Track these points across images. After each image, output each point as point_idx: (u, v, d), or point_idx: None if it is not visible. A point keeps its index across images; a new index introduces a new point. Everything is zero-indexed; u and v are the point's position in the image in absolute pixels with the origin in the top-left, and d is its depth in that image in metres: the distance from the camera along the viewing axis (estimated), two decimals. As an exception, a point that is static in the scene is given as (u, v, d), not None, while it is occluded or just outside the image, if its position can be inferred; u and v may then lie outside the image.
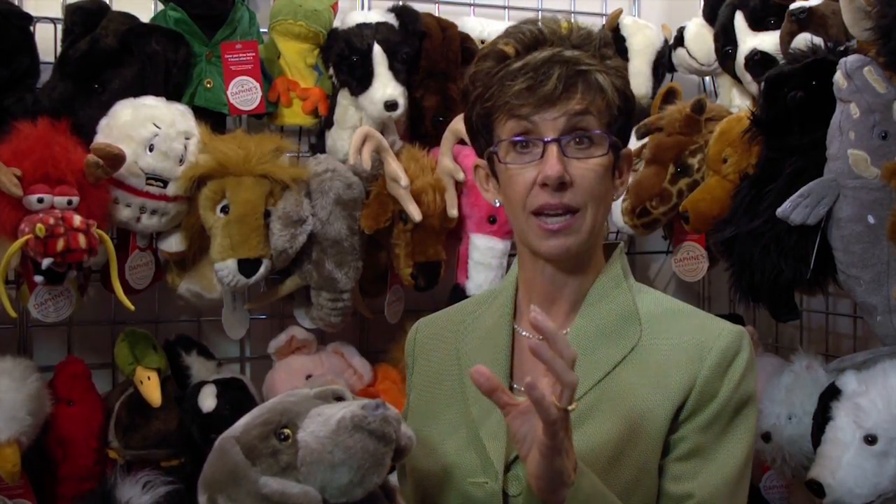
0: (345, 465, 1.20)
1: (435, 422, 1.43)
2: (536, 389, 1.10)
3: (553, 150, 1.31)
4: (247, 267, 2.06)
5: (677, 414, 1.31)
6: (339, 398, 1.32)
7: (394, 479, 1.48)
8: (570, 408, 1.13)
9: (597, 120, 1.33)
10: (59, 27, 2.11)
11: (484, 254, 2.27)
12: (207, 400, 2.11)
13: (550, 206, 1.32)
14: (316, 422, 1.23)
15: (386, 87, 2.23)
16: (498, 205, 1.42)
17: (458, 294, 2.28)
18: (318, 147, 2.34)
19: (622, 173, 1.41)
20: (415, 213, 2.16)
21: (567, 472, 1.16)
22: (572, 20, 1.38)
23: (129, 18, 2.10)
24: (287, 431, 1.24)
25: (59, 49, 2.08)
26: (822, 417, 1.97)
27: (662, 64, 2.67)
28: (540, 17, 2.70)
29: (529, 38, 1.35)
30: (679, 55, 2.67)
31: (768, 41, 2.34)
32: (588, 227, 1.34)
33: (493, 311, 1.48)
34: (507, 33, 1.38)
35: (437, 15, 2.48)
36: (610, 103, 1.34)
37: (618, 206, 2.41)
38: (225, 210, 2.07)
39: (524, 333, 1.43)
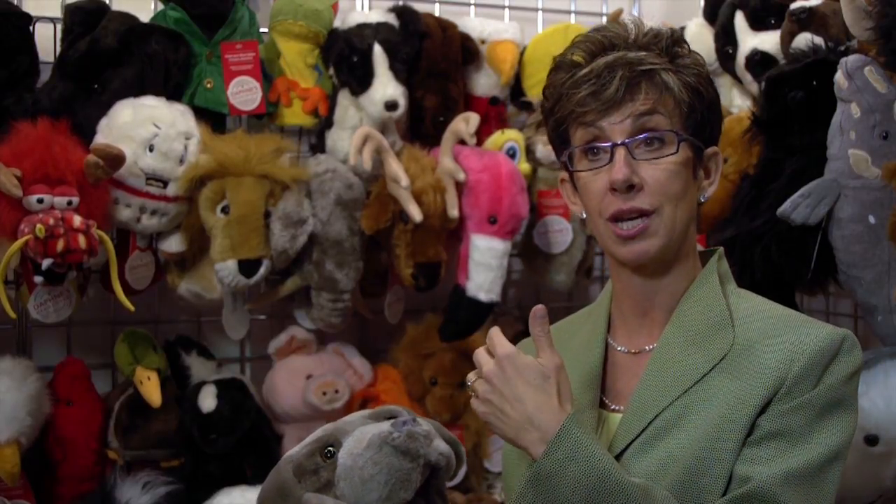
0: (373, 481, 1.23)
1: None
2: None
3: (620, 153, 1.30)
4: (247, 267, 2.06)
5: (760, 414, 1.26)
6: (390, 417, 1.34)
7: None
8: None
9: (666, 119, 1.31)
10: (59, 27, 2.10)
11: (484, 254, 2.26)
12: (207, 400, 2.11)
13: (623, 212, 1.31)
14: (355, 439, 1.28)
15: (386, 87, 2.22)
16: (584, 216, 1.40)
17: (459, 294, 2.28)
18: (318, 147, 2.34)
19: (709, 173, 1.38)
20: (415, 213, 2.16)
21: (502, 432, 1.25)
22: (640, 22, 1.36)
23: (129, 18, 2.09)
24: (332, 449, 1.29)
25: (58, 49, 2.07)
26: (822, 418, 1.97)
27: (662, 64, 2.67)
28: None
29: (596, 45, 1.34)
30: (679, 55, 2.66)
31: (769, 41, 2.34)
32: (666, 228, 1.31)
33: (588, 326, 1.46)
34: (575, 43, 1.37)
35: (437, 15, 2.48)
36: (679, 101, 1.31)
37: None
38: (225, 210, 2.07)
39: (619, 348, 1.41)
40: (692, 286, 1.37)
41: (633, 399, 1.33)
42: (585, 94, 1.30)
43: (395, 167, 2.17)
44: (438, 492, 1.32)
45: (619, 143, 1.30)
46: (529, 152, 2.43)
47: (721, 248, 1.43)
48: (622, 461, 1.30)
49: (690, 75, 1.33)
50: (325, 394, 2.21)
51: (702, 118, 1.34)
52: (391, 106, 2.22)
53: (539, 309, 1.29)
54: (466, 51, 2.40)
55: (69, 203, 1.87)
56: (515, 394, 1.23)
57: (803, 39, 2.12)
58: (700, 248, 1.47)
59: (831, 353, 1.27)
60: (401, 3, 2.36)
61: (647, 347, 1.38)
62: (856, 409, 1.30)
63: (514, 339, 2.50)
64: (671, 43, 1.35)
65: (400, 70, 2.27)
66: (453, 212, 2.25)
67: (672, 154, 1.30)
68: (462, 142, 2.29)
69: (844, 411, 1.27)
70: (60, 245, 1.81)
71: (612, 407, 1.38)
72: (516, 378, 1.24)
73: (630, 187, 1.29)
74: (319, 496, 1.25)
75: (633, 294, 1.39)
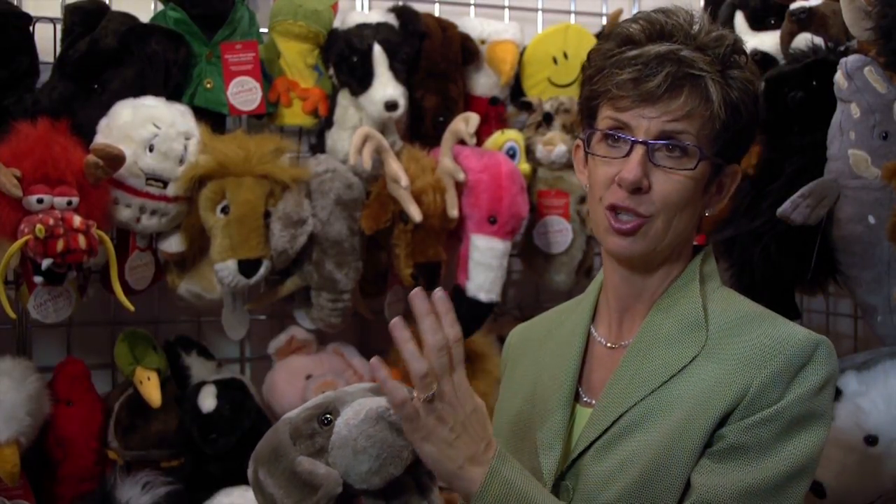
0: (365, 453, 1.25)
1: (507, 432, 1.42)
2: (379, 370, 1.19)
3: (639, 151, 1.26)
4: (247, 267, 2.06)
5: (723, 422, 1.23)
6: None
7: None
8: (424, 397, 1.17)
9: (695, 130, 1.27)
10: (59, 27, 2.10)
11: (484, 254, 2.26)
12: (207, 400, 2.11)
13: (622, 208, 1.28)
14: (353, 410, 1.28)
15: (386, 87, 2.22)
16: (587, 188, 1.37)
17: (459, 294, 2.28)
18: (318, 147, 2.34)
19: (722, 189, 1.35)
20: (415, 213, 2.16)
21: (447, 462, 1.19)
22: (707, 20, 1.31)
23: (129, 18, 2.10)
24: (330, 416, 1.30)
25: (58, 49, 2.08)
26: (822, 418, 1.97)
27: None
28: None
29: (655, 28, 1.28)
30: (679, 55, 2.66)
31: (768, 41, 2.34)
32: (657, 234, 1.29)
33: (574, 318, 1.45)
34: (636, 17, 1.32)
35: (437, 15, 2.48)
36: (714, 115, 1.26)
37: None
38: (225, 210, 2.07)
39: (600, 340, 1.40)
40: (672, 286, 1.36)
41: (602, 396, 1.32)
42: (627, 78, 1.26)
43: (395, 167, 2.17)
44: (428, 472, 1.33)
45: (640, 140, 1.27)
46: (529, 152, 2.43)
47: (709, 247, 1.41)
48: (584, 460, 1.29)
49: (736, 90, 1.28)
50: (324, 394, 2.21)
51: (732, 137, 1.30)
52: (391, 106, 2.22)
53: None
54: (466, 51, 2.40)
55: (69, 203, 1.87)
56: (468, 427, 1.20)
57: (803, 39, 2.12)
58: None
59: (801, 361, 1.24)
60: (401, 3, 2.37)
61: (624, 343, 1.37)
62: (828, 420, 1.26)
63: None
64: (731, 51, 1.29)
65: (400, 70, 2.27)
66: (453, 212, 2.25)
67: (689, 169, 1.27)
68: (462, 142, 2.30)
69: (814, 424, 1.24)
70: (60, 245, 1.81)
71: (585, 400, 1.37)
72: (471, 413, 1.20)
73: (637, 189, 1.27)
74: (312, 461, 1.27)
75: (617, 286, 1.38)
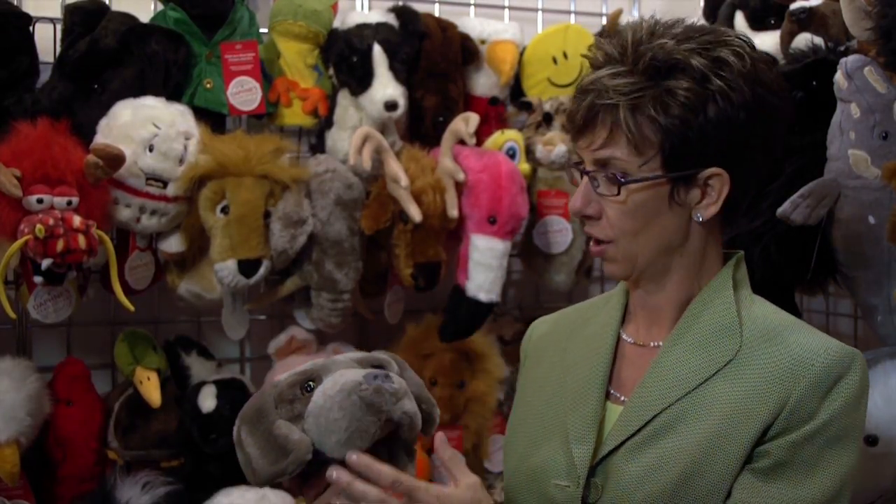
0: (336, 424, 1.27)
1: (534, 422, 1.43)
2: (341, 478, 1.21)
3: (584, 181, 1.32)
4: (247, 267, 2.06)
5: (763, 434, 1.24)
6: (377, 366, 1.37)
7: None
8: None
9: (625, 154, 1.27)
10: (59, 27, 2.10)
11: (484, 254, 2.26)
12: (207, 400, 2.11)
13: (587, 234, 1.35)
14: (332, 380, 1.31)
15: (386, 87, 2.23)
16: None
17: (459, 294, 2.28)
18: (318, 147, 2.34)
19: (707, 194, 1.30)
20: (415, 213, 2.16)
21: None
22: (645, 34, 1.28)
23: (129, 18, 2.10)
24: (312, 384, 1.32)
25: (58, 49, 2.08)
26: (822, 418, 1.97)
27: (662, 64, 2.66)
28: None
29: (608, 52, 1.29)
30: (679, 55, 2.66)
31: (768, 41, 2.34)
32: (627, 256, 1.31)
33: (603, 315, 1.45)
34: (599, 41, 1.33)
35: (437, 15, 2.48)
36: (632, 141, 1.25)
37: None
38: (225, 210, 2.07)
39: (629, 340, 1.40)
40: (704, 290, 1.35)
41: (634, 396, 1.33)
42: (570, 109, 1.32)
43: (394, 167, 2.17)
44: (405, 447, 1.35)
45: (582, 170, 1.32)
46: (529, 152, 2.43)
47: (741, 253, 1.41)
48: (615, 458, 1.30)
49: (675, 105, 1.23)
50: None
51: (674, 150, 1.25)
52: (391, 106, 2.22)
53: (440, 436, 1.30)
54: (466, 51, 2.40)
55: (69, 203, 1.87)
56: None
57: (803, 39, 2.12)
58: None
59: (838, 373, 1.25)
60: (401, 3, 2.37)
61: (653, 343, 1.37)
62: (861, 433, 1.28)
63: (515, 339, 2.50)
64: (671, 59, 1.24)
65: (400, 70, 2.27)
66: (453, 212, 2.25)
67: (614, 195, 1.28)
68: (462, 142, 2.30)
69: (852, 439, 1.25)
70: (60, 245, 1.81)
71: (615, 395, 1.37)
72: None
73: (587, 216, 1.32)
74: (290, 425, 1.29)
75: (639, 296, 1.40)
